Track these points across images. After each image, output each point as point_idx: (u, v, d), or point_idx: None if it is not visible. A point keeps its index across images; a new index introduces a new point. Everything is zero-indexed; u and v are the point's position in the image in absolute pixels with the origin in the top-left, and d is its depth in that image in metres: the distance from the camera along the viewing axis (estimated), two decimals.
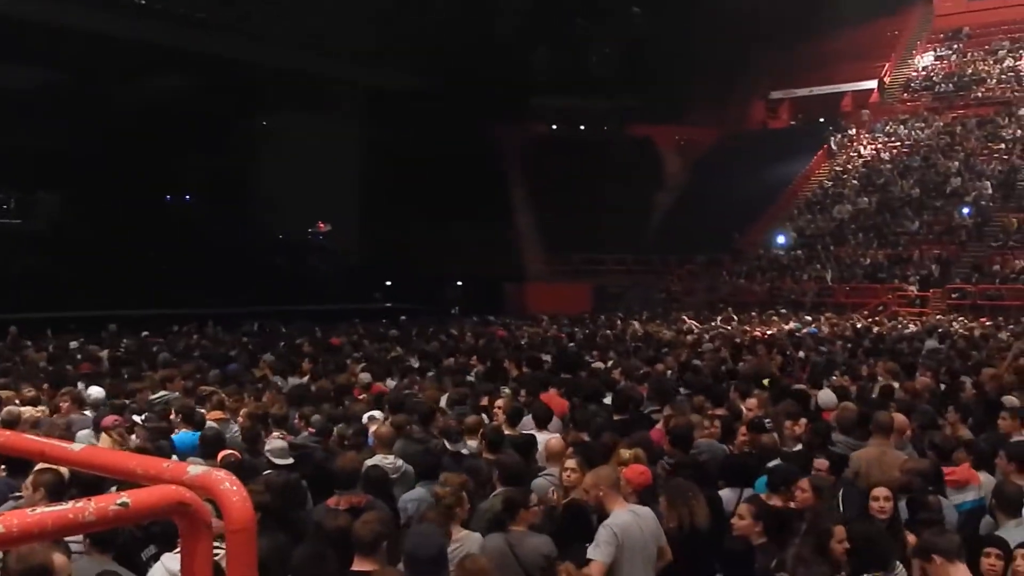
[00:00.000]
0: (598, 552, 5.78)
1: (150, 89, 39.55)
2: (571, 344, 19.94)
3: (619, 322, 27.93)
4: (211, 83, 40.75)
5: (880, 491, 6.40)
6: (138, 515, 1.60)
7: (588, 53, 45.72)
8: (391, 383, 12.88)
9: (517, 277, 41.82)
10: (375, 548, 5.05)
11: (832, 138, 45.79)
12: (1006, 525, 6.14)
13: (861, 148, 45.17)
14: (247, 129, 44.06)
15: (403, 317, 30.17)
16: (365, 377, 12.77)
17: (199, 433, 8.32)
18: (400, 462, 7.73)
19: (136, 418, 9.23)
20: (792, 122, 51.80)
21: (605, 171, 43.77)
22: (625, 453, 7.13)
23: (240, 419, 9.11)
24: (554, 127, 47.98)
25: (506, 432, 8.58)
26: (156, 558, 5.15)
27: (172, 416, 9.19)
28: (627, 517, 5.97)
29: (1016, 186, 37.57)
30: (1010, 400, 10.28)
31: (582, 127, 48.27)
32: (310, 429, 9.08)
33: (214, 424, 8.94)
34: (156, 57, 38.85)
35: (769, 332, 23.43)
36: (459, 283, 41.44)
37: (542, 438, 8.46)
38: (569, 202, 42.31)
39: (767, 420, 9.08)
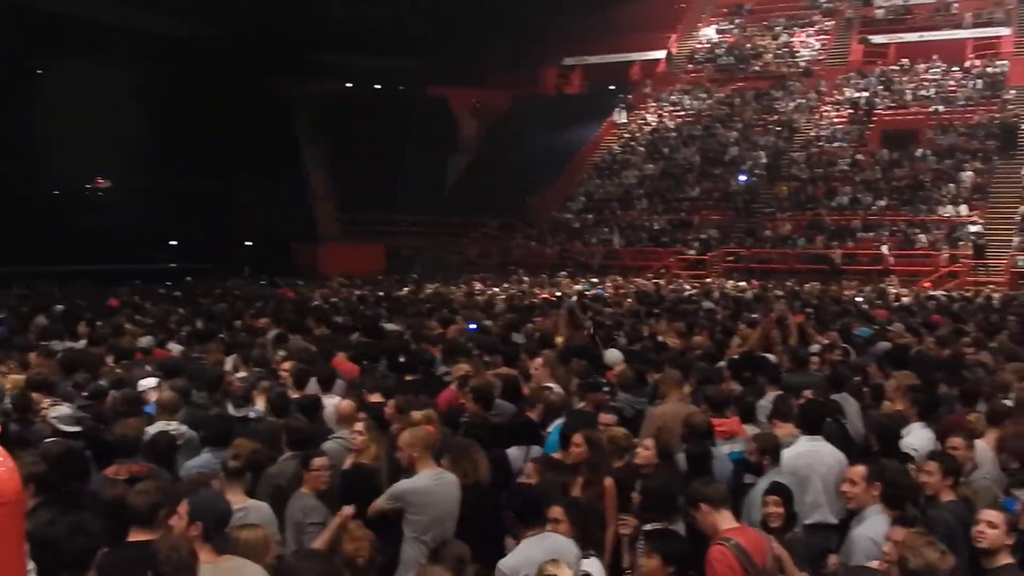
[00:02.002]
0: (380, 499, 6.18)
1: None
2: (363, 306, 19.77)
3: (412, 284, 27.94)
4: None
5: (646, 441, 6.72)
6: None
7: (384, 11, 45.07)
8: (175, 347, 12.39)
9: (309, 237, 41.09)
10: (151, 518, 4.85)
11: (621, 105, 47.12)
12: (768, 473, 6.54)
13: (648, 116, 46.74)
14: (17, 77, 41.02)
15: (188, 278, 29.11)
16: (147, 340, 12.24)
17: None
18: (184, 428, 7.46)
19: None
20: (583, 89, 52.94)
21: (400, 131, 43.49)
22: (417, 415, 7.14)
23: (8, 386, 8.53)
24: (348, 85, 47.19)
25: (293, 395, 8.44)
26: None
27: None
28: (427, 480, 6.19)
29: (787, 155, 39.88)
30: (771, 356, 10.96)
31: (377, 86, 47.71)
32: (83, 394, 8.62)
33: None
34: None
35: (557, 294, 23.98)
36: (248, 243, 40.29)
37: (330, 402, 8.38)
38: (363, 162, 41.86)
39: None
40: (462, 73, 46.04)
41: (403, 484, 6.20)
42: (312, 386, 9.01)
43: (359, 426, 7.10)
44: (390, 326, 14.87)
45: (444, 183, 47.21)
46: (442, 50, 44.01)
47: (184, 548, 4.28)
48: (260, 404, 8.40)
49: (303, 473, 6.33)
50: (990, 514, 5.10)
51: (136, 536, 4.83)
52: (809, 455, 6.89)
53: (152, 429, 7.20)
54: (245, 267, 34.80)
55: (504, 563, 5.22)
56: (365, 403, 8.17)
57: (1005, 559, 5.01)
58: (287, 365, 9.74)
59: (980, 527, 5.06)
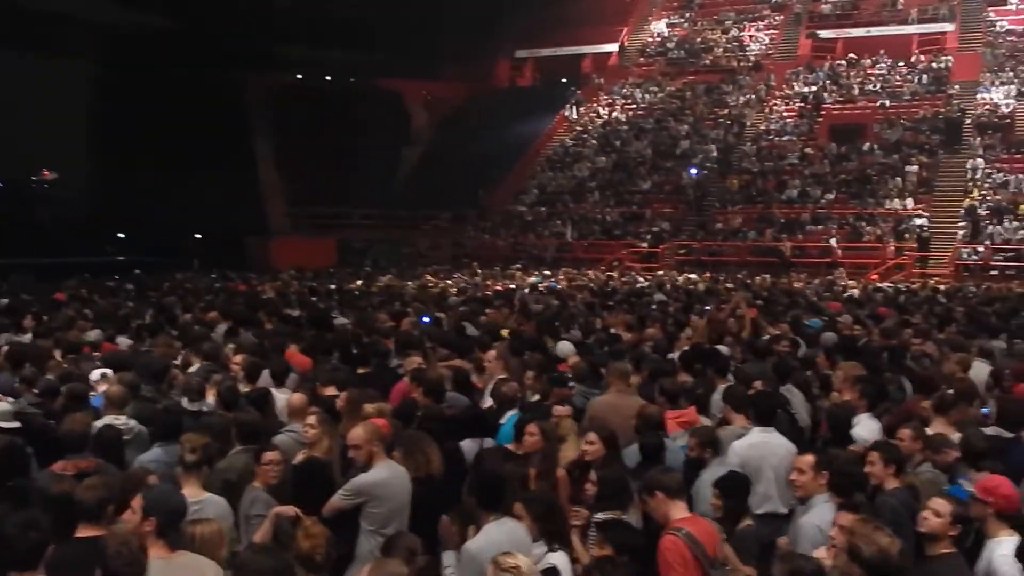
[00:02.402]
0: (337, 497, 6.11)
1: None
2: (314, 299, 19.65)
3: (365, 277, 27.83)
4: None
5: (590, 435, 6.72)
6: None
7: (336, 2, 44.70)
8: (124, 340, 12.22)
9: (260, 230, 40.68)
10: (99, 513, 4.79)
11: (571, 101, 47.22)
12: (711, 464, 6.63)
13: (600, 109, 46.90)
14: None
15: (137, 271, 28.71)
16: (95, 334, 12.06)
17: None
18: (133, 423, 7.37)
19: None
20: (536, 82, 52.97)
21: (352, 124, 43.18)
22: (368, 408, 7.11)
23: None
24: (299, 77, 46.74)
25: (244, 389, 8.37)
26: None
27: None
28: (386, 473, 6.20)
29: (738, 149, 40.25)
30: (723, 348, 11.08)
31: (329, 78, 47.32)
32: (33, 391, 8.48)
33: None
34: None
35: (511, 286, 24.03)
36: (198, 236, 39.80)
37: (282, 396, 8.32)
38: (315, 154, 41.47)
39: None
40: (414, 65, 45.76)
41: (364, 478, 6.17)
42: (264, 380, 8.94)
43: (311, 419, 7.07)
44: (341, 319, 14.80)
45: (396, 176, 47.01)
46: (394, 42, 43.70)
47: (133, 543, 4.23)
48: (211, 398, 8.32)
49: (254, 467, 6.29)
50: (938, 503, 5.17)
51: (84, 532, 4.78)
52: (762, 446, 6.96)
53: (100, 423, 7.10)
54: (195, 260, 34.38)
55: (470, 546, 5.28)
56: (319, 396, 8.13)
57: (946, 548, 5.08)
58: (238, 358, 9.66)
59: (926, 513, 5.15)
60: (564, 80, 49.92)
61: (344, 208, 42.15)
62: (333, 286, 23.73)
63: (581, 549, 5.58)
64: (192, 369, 9.80)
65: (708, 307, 16.64)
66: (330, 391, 8.37)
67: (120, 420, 7.30)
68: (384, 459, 6.30)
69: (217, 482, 6.31)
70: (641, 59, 49.85)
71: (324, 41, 43.70)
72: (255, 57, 42.57)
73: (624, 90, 47.73)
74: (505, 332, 12.42)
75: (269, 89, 45.58)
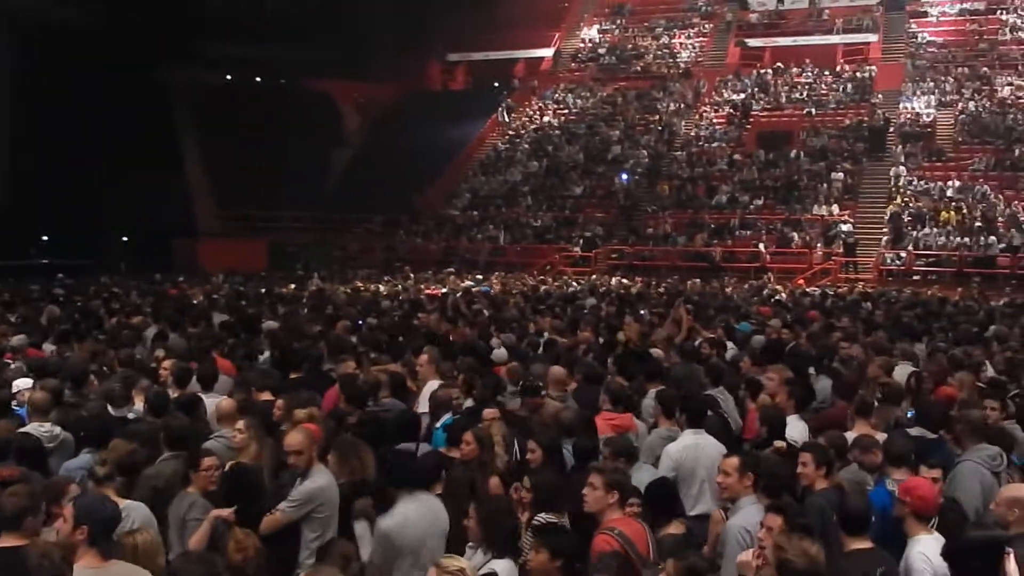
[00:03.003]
0: (284, 505, 6.01)
1: None
2: (244, 303, 19.41)
3: (296, 280, 27.57)
4: None
5: (530, 443, 6.76)
6: None
7: (265, 1, 44.25)
8: (48, 347, 11.94)
9: (189, 233, 40.05)
10: (20, 522, 4.69)
11: (502, 106, 47.34)
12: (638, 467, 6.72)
13: (532, 114, 47.06)
14: None
15: (61, 275, 28.06)
16: (19, 340, 11.77)
17: None
18: (57, 430, 7.24)
19: None
20: (468, 85, 52.96)
21: (282, 125, 42.70)
22: (300, 413, 7.06)
23: None
24: (228, 77, 46.11)
25: (173, 394, 8.25)
26: None
27: None
28: (325, 478, 6.20)
29: (668, 155, 40.68)
30: (656, 352, 11.20)
31: (258, 79, 46.77)
32: None
33: None
34: None
35: (443, 290, 23.99)
36: (125, 238, 39.06)
37: (211, 400, 8.23)
38: (244, 155, 40.88)
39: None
40: (345, 66, 45.43)
41: (309, 486, 6.11)
42: (194, 385, 8.82)
43: (240, 424, 7.02)
44: (271, 323, 14.65)
45: (328, 178, 46.60)
46: (325, 42, 43.36)
47: (55, 554, 4.15)
48: (138, 403, 8.18)
49: (190, 474, 6.18)
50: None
51: (5, 542, 4.67)
52: (695, 448, 7.08)
53: (22, 431, 6.95)
54: (121, 263, 33.73)
55: (382, 524, 5.32)
56: (253, 402, 8.04)
57: (862, 543, 5.31)
58: (167, 363, 9.51)
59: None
60: (496, 84, 49.98)
61: (275, 210, 41.70)
62: (263, 290, 23.48)
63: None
64: (116, 375, 9.64)
65: (642, 311, 16.82)
66: (264, 396, 8.29)
67: (44, 427, 7.16)
68: (318, 464, 6.26)
69: (145, 489, 6.22)
70: (573, 64, 50.15)
71: (253, 40, 43.21)
72: (184, 56, 41.92)
73: (556, 95, 47.96)
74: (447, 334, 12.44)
75: (197, 88, 44.86)
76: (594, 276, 31.38)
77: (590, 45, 51.03)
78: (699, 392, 8.59)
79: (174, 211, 39.27)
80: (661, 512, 5.85)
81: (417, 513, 5.50)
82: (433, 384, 8.94)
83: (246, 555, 4.78)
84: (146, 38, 38.52)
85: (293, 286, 25.55)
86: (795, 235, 33.54)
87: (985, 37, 42.85)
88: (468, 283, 26.81)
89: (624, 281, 28.53)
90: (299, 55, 43.56)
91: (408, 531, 5.43)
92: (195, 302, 19.33)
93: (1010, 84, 39.66)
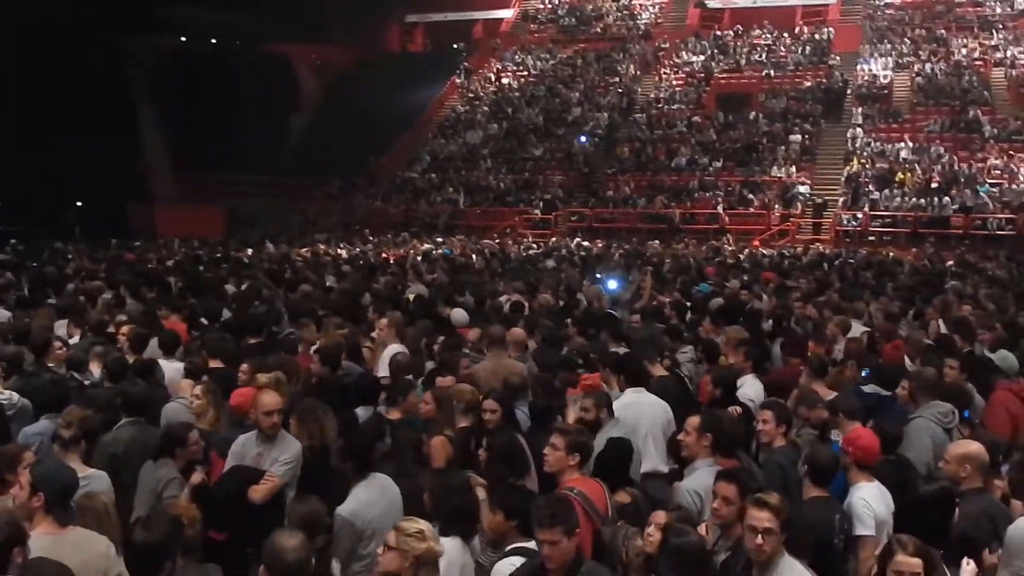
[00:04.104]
0: (278, 468, 6.05)
1: None
2: (202, 267, 19.25)
3: (254, 245, 27.37)
4: None
5: (488, 403, 6.77)
6: None
7: None
8: (2, 313, 11.79)
9: (144, 198, 39.51)
10: None
11: (464, 64, 47.03)
12: (606, 427, 6.76)
13: (492, 76, 46.81)
14: None
15: (13, 240, 27.62)
16: None
17: None
18: (16, 396, 7.18)
19: None
20: (427, 47, 52.52)
21: (239, 89, 42.16)
22: (262, 378, 7.03)
23: None
24: (183, 40, 45.33)
25: (131, 360, 8.19)
26: None
27: None
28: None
29: (628, 116, 40.69)
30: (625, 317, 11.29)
31: (214, 41, 46.04)
32: None
33: None
34: None
35: (403, 254, 23.94)
36: (79, 204, 38.44)
37: (172, 366, 8.18)
38: (200, 120, 40.32)
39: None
40: (303, 29, 44.86)
41: (295, 446, 6.19)
42: (153, 350, 8.75)
43: (197, 390, 7.00)
44: (230, 288, 14.56)
45: (285, 142, 46.14)
46: (281, 5, 42.74)
47: (3, 518, 4.10)
48: (96, 369, 8.12)
49: (176, 449, 6.12)
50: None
51: None
52: (636, 406, 7.13)
53: None
54: (76, 229, 33.23)
55: (341, 511, 5.34)
56: (207, 367, 8.00)
57: (817, 492, 5.51)
58: (125, 329, 9.43)
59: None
60: (456, 46, 49.60)
61: (232, 175, 41.23)
62: (219, 254, 23.28)
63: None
64: (73, 341, 9.55)
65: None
66: (215, 363, 8.24)
67: (3, 394, 7.10)
68: (281, 429, 6.28)
69: (103, 456, 6.19)
70: (532, 26, 49.84)
71: (209, 4, 42.46)
72: (139, 19, 41.09)
73: (516, 57, 47.70)
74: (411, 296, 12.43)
75: (152, 51, 44.08)
76: (554, 238, 31.44)
77: (549, 6, 50.72)
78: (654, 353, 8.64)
79: (130, 177, 38.68)
80: (613, 477, 5.83)
81: (373, 494, 5.52)
82: (393, 348, 8.93)
83: (196, 530, 4.78)
84: (99, 2, 37.72)
85: (249, 251, 25.34)
86: (753, 197, 33.77)
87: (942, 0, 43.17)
88: (428, 246, 26.76)
89: (584, 243, 28.59)
90: (255, 18, 42.89)
91: (368, 513, 5.44)
92: (151, 267, 19.13)
93: (965, 46, 40.00)
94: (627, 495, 5.73)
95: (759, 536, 4.42)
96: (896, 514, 5.59)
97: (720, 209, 33.08)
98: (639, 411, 7.07)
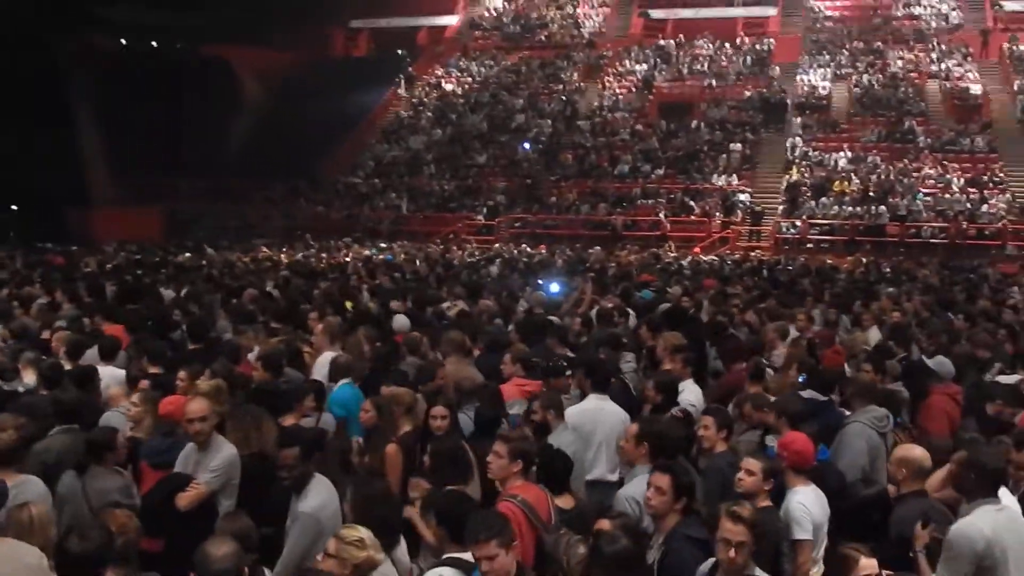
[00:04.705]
0: (207, 477, 5.94)
1: None
2: (140, 272, 18.94)
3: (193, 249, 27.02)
4: None
5: (436, 409, 6.77)
6: None
7: None
8: None
9: (81, 200, 38.78)
10: None
11: (399, 78, 46.91)
12: (555, 430, 6.77)
13: (435, 82, 46.73)
14: None
15: None
16: None
17: None
18: None
19: None
20: (371, 52, 52.29)
21: (179, 90, 41.61)
22: (203, 385, 6.93)
23: None
24: (123, 41, 44.59)
25: (67, 366, 8.02)
26: None
27: None
28: (233, 447, 6.16)
29: (572, 124, 40.87)
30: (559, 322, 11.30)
31: (154, 43, 45.36)
32: None
33: None
34: None
35: (346, 259, 23.78)
36: (14, 207, 37.63)
37: (111, 372, 8.04)
38: (140, 121, 39.69)
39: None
40: (245, 32, 44.35)
41: (227, 453, 6.05)
42: (91, 357, 8.58)
43: (135, 397, 6.89)
44: (168, 293, 14.35)
45: (226, 145, 45.60)
46: (223, 7, 42.24)
47: None
48: (30, 377, 7.93)
49: (106, 454, 6.01)
50: (749, 462, 5.58)
51: None
52: (594, 412, 7.13)
53: None
54: (10, 232, 32.54)
55: (306, 506, 5.40)
56: (147, 373, 7.87)
57: (763, 502, 5.47)
58: (60, 335, 9.24)
59: (740, 474, 5.55)
60: (400, 52, 49.47)
61: (171, 178, 40.65)
62: (157, 259, 22.92)
63: (421, 525, 5.60)
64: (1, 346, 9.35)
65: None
66: (155, 369, 8.11)
67: None
68: (216, 434, 6.19)
69: (35, 464, 6.05)
70: (477, 33, 49.88)
71: (150, 5, 41.89)
72: (76, 19, 40.37)
73: (460, 63, 47.70)
74: (349, 304, 12.31)
75: (90, 51, 43.30)
76: (498, 244, 31.46)
77: (494, 14, 50.81)
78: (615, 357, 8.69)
79: (67, 179, 37.95)
80: (554, 482, 5.83)
81: (325, 493, 5.54)
82: (329, 354, 8.84)
83: (128, 538, 4.69)
84: (38, 1, 37.04)
85: (189, 255, 25.00)
86: (695, 204, 34.11)
87: (879, 12, 44.06)
88: (371, 251, 26.63)
89: (528, 249, 28.65)
90: (197, 20, 42.36)
91: (328, 510, 5.46)
92: (87, 271, 18.78)
93: (901, 58, 40.85)
94: (570, 499, 5.74)
95: (732, 550, 4.45)
96: (834, 517, 5.67)
97: (662, 216, 33.35)
98: (598, 417, 7.06)
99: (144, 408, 6.76)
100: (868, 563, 4.41)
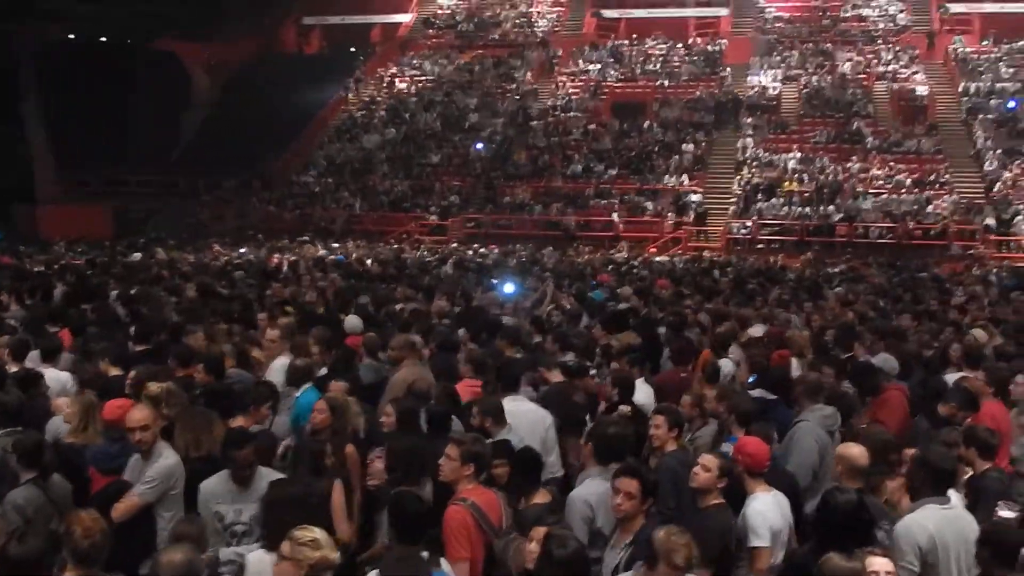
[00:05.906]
0: (140, 488, 5.85)
1: None
2: (89, 272, 18.65)
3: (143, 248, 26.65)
4: None
5: (387, 407, 6.83)
6: None
7: None
8: None
9: (27, 197, 38.12)
10: None
11: (361, 68, 46.68)
12: (495, 435, 6.77)
13: (388, 80, 46.53)
14: None
15: None
16: None
17: None
18: None
19: None
20: (323, 49, 51.96)
21: (128, 86, 41.06)
22: (153, 387, 6.82)
23: None
24: (71, 36, 43.83)
25: (11, 369, 7.88)
26: None
27: None
28: (175, 454, 6.09)
29: (525, 123, 40.91)
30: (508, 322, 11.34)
31: (103, 38, 44.66)
32: None
33: None
34: None
35: (297, 259, 23.58)
36: None
37: (54, 374, 7.92)
38: (88, 116, 39.06)
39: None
40: (195, 26, 43.83)
41: (165, 463, 5.93)
42: (34, 359, 8.43)
43: (69, 401, 6.80)
44: (114, 292, 14.13)
45: (176, 142, 45.09)
46: (173, 2, 41.71)
47: None
48: None
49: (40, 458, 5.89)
50: (705, 459, 5.64)
51: None
52: (511, 414, 6.96)
53: None
54: None
55: (265, 498, 5.48)
56: (96, 375, 7.75)
57: (715, 500, 5.53)
58: (3, 338, 9.07)
59: (696, 469, 5.58)
60: (353, 49, 49.19)
61: (120, 175, 40.08)
62: (106, 259, 22.59)
63: (343, 525, 5.63)
64: None
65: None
66: (114, 370, 8.00)
67: None
68: (161, 441, 6.10)
69: None
70: (430, 31, 49.74)
71: None
72: (22, 12, 39.61)
73: (414, 61, 47.54)
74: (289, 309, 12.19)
75: (37, 44, 42.51)
76: (453, 244, 31.42)
77: (448, 12, 50.69)
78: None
79: (12, 175, 37.34)
80: (528, 480, 5.85)
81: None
82: (284, 359, 8.76)
83: (93, 541, 4.62)
84: None
85: (139, 255, 24.65)
86: (648, 204, 34.31)
87: (828, 14, 44.59)
88: (323, 252, 26.45)
89: (482, 250, 28.63)
90: (146, 14, 41.76)
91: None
92: (36, 271, 18.45)
93: (850, 60, 41.38)
94: (547, 494, 5.75)
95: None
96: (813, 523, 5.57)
97: (615, 216, 33.52)
98: (515, 419, 6.94)
99: (77, 410, 6.64)
100: (881, 560, 4.53)
